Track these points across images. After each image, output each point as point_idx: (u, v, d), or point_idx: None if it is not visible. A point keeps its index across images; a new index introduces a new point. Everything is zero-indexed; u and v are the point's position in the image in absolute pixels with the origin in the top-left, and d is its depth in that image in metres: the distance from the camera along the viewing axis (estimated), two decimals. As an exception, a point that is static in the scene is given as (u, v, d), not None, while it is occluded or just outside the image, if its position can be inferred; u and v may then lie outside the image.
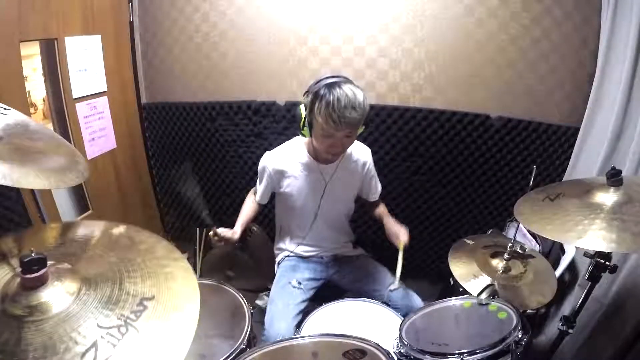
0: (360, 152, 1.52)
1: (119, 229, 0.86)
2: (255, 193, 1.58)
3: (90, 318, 0.62)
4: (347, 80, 1.27)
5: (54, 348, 0.57)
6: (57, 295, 0.65)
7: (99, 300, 0.66)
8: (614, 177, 0.99)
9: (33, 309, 0.62)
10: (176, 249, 0.81)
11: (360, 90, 1.25)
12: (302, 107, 1.32)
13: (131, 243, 0.82)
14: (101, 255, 0.77)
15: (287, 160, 1.46)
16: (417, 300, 1.42)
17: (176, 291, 0.71)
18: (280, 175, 1.46)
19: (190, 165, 1.61)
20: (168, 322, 0.65)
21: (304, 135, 1.37)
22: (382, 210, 1.60)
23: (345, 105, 1.19)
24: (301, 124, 1.33)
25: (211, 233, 1.37)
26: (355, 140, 1.52)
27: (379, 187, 1.62)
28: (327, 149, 1.33)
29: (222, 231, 1.38)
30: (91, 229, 0.89)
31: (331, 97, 1.20)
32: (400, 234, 1.42)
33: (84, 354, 0.57)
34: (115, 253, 0.77)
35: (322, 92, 1.23)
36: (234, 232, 1.42)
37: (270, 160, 1.46)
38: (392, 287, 1.42)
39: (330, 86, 1.23)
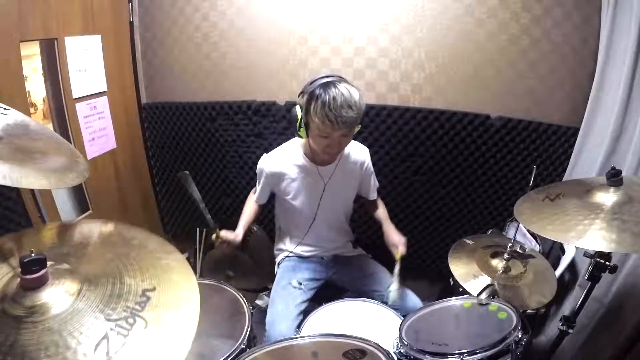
0: (358, 152, 1.52)
1: (108, 227, 0.87)
2: (255, 193, 1.58)
3: (97, 313, 0.64)
4: (342, 79, 1.26)
5: (65, 344, 0.59)
6: (59, 294, 0.65)
7: (103, 296, 0.67)
8: (614, 177, 0.99)
9: (37, 308, 0.63)
10: (168, 242, 0.83)
11: (355, 89, 1.24)
12: (297, 108, 1.32)
13: (122, 240, 0.83)
14: (97, 254, 0.78)
15: (284, 163, 1.45)
16: (415, 301, 1.42)
17: (175, 280, 0.73)
18: (278, 178, 1.46)
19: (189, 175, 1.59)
20: (172, 309, 0.67)
21: (300, 136, 1.36)
22: (382, 213, 1.60)
23: (342, 104, 1.18)
24: (297, 125, 1.32)
25: (214, 236, 1.40)
26: (353, 141, 1.52)
27: (377, 184, 1.62)
28: (324, 150, 1.32)
29: (225, 234, 1.41)
30: (82, 229, 0.90)
31: (327, 97, 1.19)
32: (399, 244, 1.43)
33: (96, 347, 0.59)
34: (110, 250, 0.78)
35: (317, 92, 1.21)
36: (237, 235, 1.44)
37: (266, 163, 1.46)
38: (391, 291, 1.43)
39: (326, 86, 1.21)
